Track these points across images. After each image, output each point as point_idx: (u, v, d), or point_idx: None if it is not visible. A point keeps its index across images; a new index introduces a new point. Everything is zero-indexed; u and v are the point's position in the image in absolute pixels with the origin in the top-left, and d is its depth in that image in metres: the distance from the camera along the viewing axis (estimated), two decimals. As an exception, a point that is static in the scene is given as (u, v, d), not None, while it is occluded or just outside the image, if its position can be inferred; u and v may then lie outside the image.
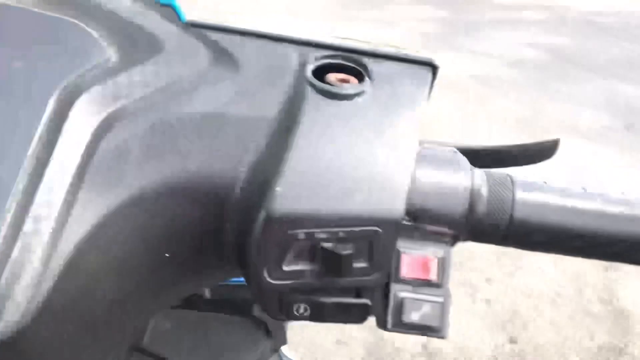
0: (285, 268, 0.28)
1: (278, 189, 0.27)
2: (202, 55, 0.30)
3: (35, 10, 0.29)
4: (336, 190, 0.27)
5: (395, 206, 0.28)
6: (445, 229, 0.30)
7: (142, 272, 0.30)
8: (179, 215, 0.29)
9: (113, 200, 0.27)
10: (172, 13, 0.31)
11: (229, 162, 0.29)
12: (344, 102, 0.29)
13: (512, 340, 1.64)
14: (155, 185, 0.28)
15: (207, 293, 0.49)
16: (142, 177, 0.28)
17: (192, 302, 0.50)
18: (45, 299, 0.25)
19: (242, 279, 0.45)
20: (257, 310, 0.50)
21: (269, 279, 0.28)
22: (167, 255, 0.30)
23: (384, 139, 0.29)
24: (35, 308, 0.25)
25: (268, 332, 0.52)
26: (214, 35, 0.31)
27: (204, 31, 0.31)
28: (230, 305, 0.50)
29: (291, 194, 0.27)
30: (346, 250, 0.27)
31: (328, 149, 0.28)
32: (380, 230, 0.28)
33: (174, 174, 0.28)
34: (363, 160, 0.28)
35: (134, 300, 0.31)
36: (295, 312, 0.30)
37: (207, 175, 0.29)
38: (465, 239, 0.32)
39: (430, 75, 0.31)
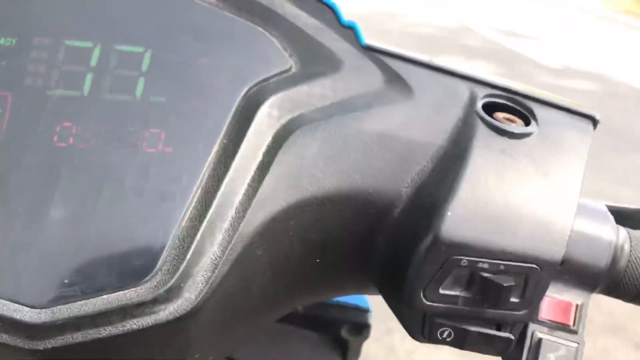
0: (442, 291, 0.29)
1: (449, 213, 0.28)
2: (378, 77, 0.32)
3: (225, 12, 0.32)
4: (502, 224, 0.29)
5: (556, 249, 0.29)
6: (587, 278, 0.31)
7: (293, 274, 0.31)
8: (338, 224, 0.30)
9: (286, 199, 0.29)
10: (352, 35, 0.33)
11: (394, 180, 0.30)
12: (513, 141, 0.31)
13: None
14: (323, 192, 0.29)
15: (300, 308, 0.50)
16: (313, 183, 0.29)
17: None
18: (218, 284, 0.27)
19: (335, 298, 0.46)
20: (344, 332, 0.51)
21: (424, 300, 0.29)
22: (317, 260, 0.31)
23: (550, 182, 0.30)
24: (210, 290, 0.27)
25: (346, 353, 0.52)
26: (391, 61, 0.33)
27: (381, 56, 0.33)
28: (320, 322, 0.51)
29: (460, 221, 0.28)
30: (507, 282, 0.28)
31: (496, 183, 0.29)
32: (538, 269, 0.29)
33: (341, 184, 0.30)
34: (529, 200, 0.29)
35: (277, 300, 0.33)
36: (439, 336, 0.31)
37: (372, 190, 0.30)
38: (600, 292, 0.33)
39: (591, 127, 0.33)
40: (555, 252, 0.29)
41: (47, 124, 0.27)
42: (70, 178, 0.27)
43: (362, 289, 0.36)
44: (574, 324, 0.31)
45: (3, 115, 0.27)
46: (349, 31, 0.33)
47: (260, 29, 0.31)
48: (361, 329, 0.50)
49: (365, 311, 0.50)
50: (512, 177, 0.30)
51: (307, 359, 0.52)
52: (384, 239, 0.31)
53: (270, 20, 0.32)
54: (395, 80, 0.32)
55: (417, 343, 0.33)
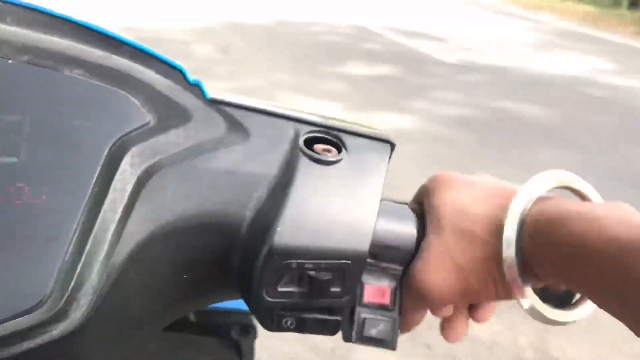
0: (280, 289, 0.38)
1: (279, 228, 0.37)
2: (221, 125, 0.40)
3: (92, 81, 0.39)
4: (320, 231, 0.37)
5: (361, 246, 0.38)
6: (397, 265, 0.41)
7: (167, 290, 0.39)
8: (198, 246, 0.38)
9: (152, 230, 0.36)
10: (198, 91, 0.41)
11: (238, 206, 0.38)
12: (327, 167, 0.40)
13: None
14: (182, 222, 0.37)
15: (192, 316, 0.58)
16: (173, 215, 0.37)
17: (178, 325, 0.58)
18: (100, 305, 0.34)
19: (223, 304, 0.54)
20: (234, 333, 0.59)
21: (267, 297, 0.38)
22: (185, 277, 0.39)
23: (355, 196, 0.39)
24: (93, 310, 0.34)
25: (240, 353, 0.60)
26: (231, 110, 0.41)
27: (223, 106, 0.41)
28: (212, 328, 0.58)
29: (288, 233, 0.37)
30: (326, 277, 0.37)
31: (315, 201, 0.38)
32: (350, 263, 0.38)
33: (196, 214, 0.38)
34: (340, 210, 0.38)
35: (159, 312, 0.40)
36: (284, 324, 0.39)
37: (222, 216, 0.38)
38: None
39: (389, 149, 0.42)
40: (361, 248, 0.38)
41: None
42: None
43: (231, 295, 0.44)
44: (390, 303, 0.41)
45: None
46: (196, 88, 0.41)
47: (122, 92, 0.39)
48: (248, 330, 0.59)
49: (247, 313, 0.58)
50: (326, 196, 0.38)
51: None
52: (237, 254, 0.39)
53: (131, 84, 0.39)
54: (235, 126, 0.40)
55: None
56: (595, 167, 3.42)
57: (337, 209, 0.38)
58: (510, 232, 0.37)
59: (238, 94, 0.44)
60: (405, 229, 0.41)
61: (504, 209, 0.38)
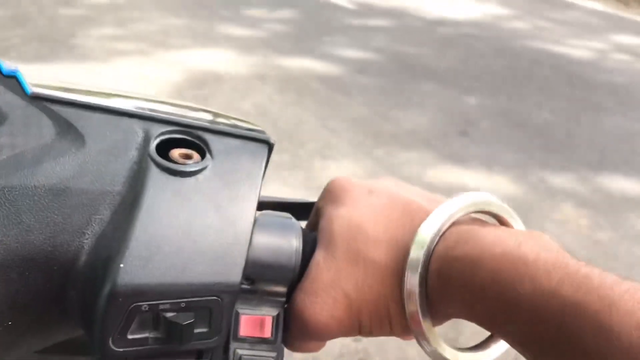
0: (130, 337, 0.30)
1: (122, 265, 0.29)
2: (47, 128, 0.31)
3: None
4: (177, 264, 0.30)
5: (232, 277, 0.31)
6: (280, 288, 0.34)
7: None
8: (21, 286, 0.30)
9: None
10: (16, 85, 0.32)
11: (72, 234, 0.30)
12: (186, 179, 0.32)
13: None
14: (2, 258, 0.29)
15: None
16: None
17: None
18: None
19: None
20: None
21: (113, 348, 0.30)
22: (9, 323, 0.31)
23: (223, 213, 0.32)
24: None
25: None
26: (60, 108, 0.32)
27: (49, 104, 0.32)
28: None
29: (134, 269, 0.29)
30: (187, 319, 0.30)
31: (170, 225, 0.31)
32: (219, 299, 0.31)
33: (15, 246, 0.29)
34: (203, 235, 0.31)
35: None
36: None
37: (52, 247, 0.30)
38: None
39: (266, 151, 0.35)
40: (231, 280, 0.31)
41: None
42: None
43: (76, 331, 0.36)
44: (272, 335, 0.34)
45: None
46: (12, 80, 0.32)
47: None
48: None
49: None
50: (186, 217, 0.31)
51: None
52: (74, 291, 0.31)
53: None
54: (65, 129, 0.32)
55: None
56: (486, 107, 3.51)
57: (198, 232, 0.31)
58: (415, 260, 0.31)
59: (65, 82, 0.35)
60: (286, 243, 0.34)
61: (410, 231, 0.32)
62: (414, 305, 0.31)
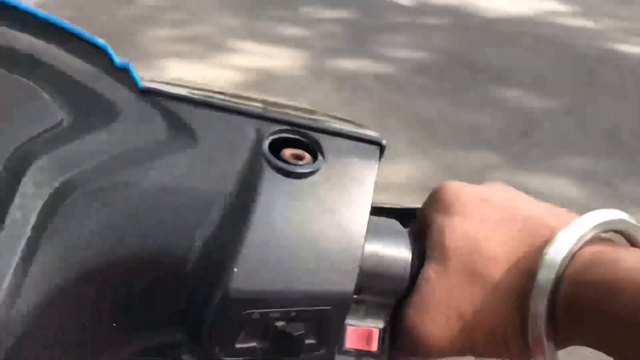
0: (238, 346, 0.29)
1: (235, 269, 0.28)
2: (158, 125, 0.30)
3: None
4: (292, 270, 0.29)
5: (345, 287, 0.29)
6: (387, 300, 0.32)
7: (89, 347, 0.30)
8: (128, 290, 0.29)
9: (65, 276, 0.27)
10: (128, 78, 0.31)
11: (182, 236, 0.29)
12: (299, 181, 0.30)
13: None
14: (106, 259, 0.28)
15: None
16: (94, 251, 0.28)
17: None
18: None
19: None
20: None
21: (221, 356, 0.29)
22: (113, 325, 0.30)
23: (336, 218, 0.30)
24: None
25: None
26: (172, 104, 0.31)
27: (160, 99, 0.31)
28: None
29: (248, 274, 0.28)
30: (298, 331, 0.29)
31: (284, 229, 0.29)
32: (330, 309, 0.29)
33: (126, 248, 0.28)
34: (317, 240, 0.29)
35: None
36: None
37: (160, 249, 0.29)
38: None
39: (377, 153, 0.33)
40: (345, 291, 0.29)
41: None
42: None
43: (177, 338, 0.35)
44: (378, 349, 0.32)
45: None
46: (124, 74, 0.31)
47: (24, 80, 0.29)
48: None
49: None
50: (299, 221, 0.29)
51: None
52: (180, 296, 0.30)
53: (36, 70, 0.29)
54: (177, 126, 0.31)
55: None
56: (549, 108, 3.41)
57: (313, 237, 0.29)
58: (543, 284, 0.29)
59: (177, 77, 0.34)
60: (397, 253, 0.33)
61: (533, 250, 0.30)
62: (538, 329, 0.29)
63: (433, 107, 3.32)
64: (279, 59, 3.82)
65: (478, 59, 4.23)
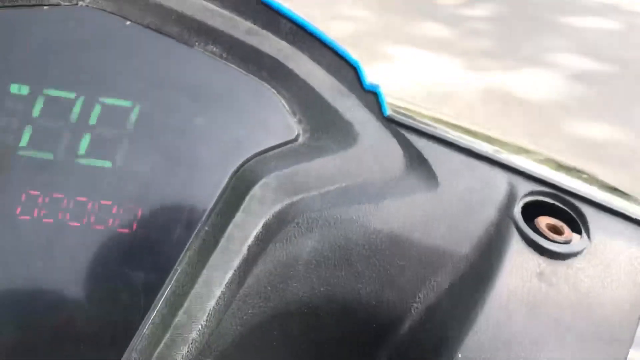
0: None
1: (459, 355, 0.24)
2: (398, 160, 0.27)
3: (229, 65, 0.26)
4: None
5: None
6: None
7: None
8: (332, 336, 0.26)
9: (271, 305, 0.25)
10: (374, 102, 0.28)
11: (401, 293, 0.26)
12: (556, 262, 0.26)
13: None
14: (317, 300, 0.25)
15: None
16: (305, 288, 0.25)
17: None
18: None
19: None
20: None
21: None
22: None
23: (595, 322, 0.25)
24: None
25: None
26: (416, 139, 0.27)
27: (404, 130, 0.27)
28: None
29: None
30: None
31: (526, 320, 0.25)
32: None
33: (339, 292, 0.25)
34: (567, 345, 0.25)
35: None
36: None
37: (375, 302, 0.26)
38: None
39: None
40: None
41: (13, 190, 0.23)
42: (28, 260, 0.23)
43: None
44: None
45: None
46: (371, 97, 0.28)
47: (266, 86, 0.26)
48: None
49: None
50: (546, 313, 0.25)
51: None
52: (387, 357, 0.26)
53: (280, 76, 0.27)
54: (418, 163, 0.27)
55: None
56: None
57: (563, 339, 0.25)
58: None
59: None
60: None
61: None
62: None
63: (598, 127, 3.09)
64: (420, 60, 3.71)
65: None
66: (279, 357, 0.26)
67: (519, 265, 0.25)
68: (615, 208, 0.27)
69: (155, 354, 0.23)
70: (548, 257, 0.25)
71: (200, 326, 0.23)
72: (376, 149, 0.27)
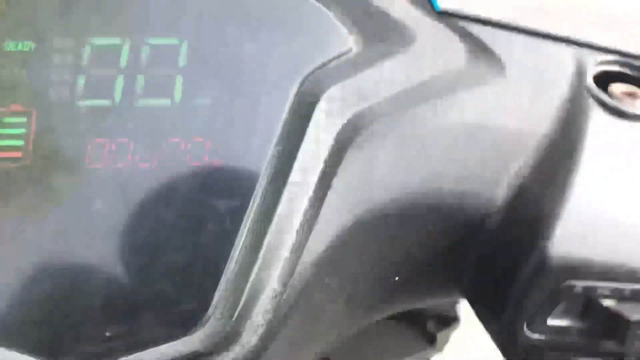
0: (550, 323, 0.24)
1: (559, 230, 0.22)
2: (459, 51, 0.26)
3: None
4: (628, 238, 0.23)
5: None
6: None
7: (369, 298, 0.27)
8: (419, 239, 0.26)
9: (356, 215, 0.24)
10: (424, 0, 0.27)
11: (485, 183, 0.25)
12: (638, 124, 0.24)
13: None
14: (400, 204, 0.24)
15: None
16: (387, 193, 0.24)
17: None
18: (281, 323, 0.23)
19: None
20: (430, 325, 0.46)
21: (527, 332, 0.24)
22: (396, 279, 0.26)
23: None
24: (273, 331, 0.23)
25: (432, 343, 0.48)
26: (473, 28, 0.26)
27: (461, 22, 0.26)
28: (407, 316, 0.46)
29: (573, 237, 0.23)
30: (636, 314, 0.22)
31: (621, 184, 0.23)
32: None
33: (422, 192, 0.25)
34: None
35: (351, 323, 0.28)
36: None
37: (460, 197, 0.25)
38: None
39: None
40: None
41: (78, 142, 0.24)
42: (105, 207, 0.23)
43: (451, 298, 0.31)
44: None
45: (28, 136, 0.24)
46: (419, -6, 0.27)
47: (313, 1, 0.26)
48: (449, 321, 0.46)
49: (453, 303, 0.45)
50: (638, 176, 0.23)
51: (393, 351, 0.48)
52: (477, 256, 0.25)
53: None
54: (480, 52, 0.26)
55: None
56: None
57: None
58: None
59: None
60: None
61: None
62: None
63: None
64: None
65: None
66: (368, 265, 0.25)
67: (602, 133, 0.24)
68: None
69: (252, 275, 0.22)
70: (631, 121, 0.24)
71: (290, 244, 0.23)
72: (435, 45, 0.26)
